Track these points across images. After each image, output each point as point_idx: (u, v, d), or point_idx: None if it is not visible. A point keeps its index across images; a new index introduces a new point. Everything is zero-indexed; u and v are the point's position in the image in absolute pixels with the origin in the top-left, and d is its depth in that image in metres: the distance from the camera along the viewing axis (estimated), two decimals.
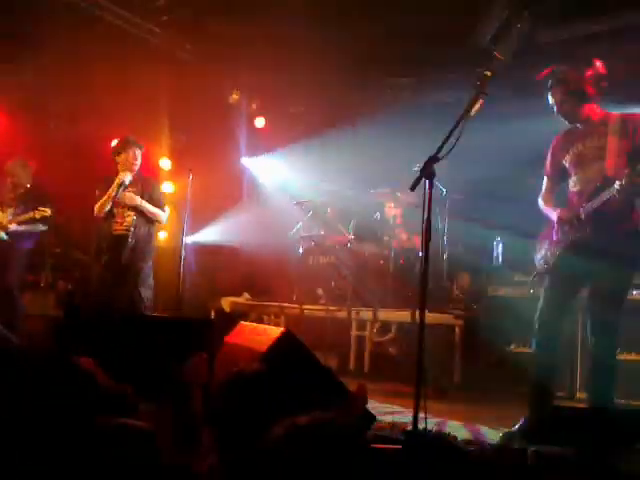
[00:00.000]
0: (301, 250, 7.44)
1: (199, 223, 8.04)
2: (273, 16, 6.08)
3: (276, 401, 2.24)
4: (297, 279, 7.27)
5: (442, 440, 2.76)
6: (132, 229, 5.30)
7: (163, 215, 5.53)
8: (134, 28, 6.89)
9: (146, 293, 5.30)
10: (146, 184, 5.53)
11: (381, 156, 7.05)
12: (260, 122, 8.86)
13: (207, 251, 8.14)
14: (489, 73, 3.41)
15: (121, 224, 5.33)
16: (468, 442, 3.10)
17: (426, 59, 6.86)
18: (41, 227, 6.18)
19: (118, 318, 4.19)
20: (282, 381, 2.33)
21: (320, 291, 6.97)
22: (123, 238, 5.30)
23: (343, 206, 7.75)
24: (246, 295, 7.82)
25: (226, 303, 7.50)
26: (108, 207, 5.32)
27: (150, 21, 6.90)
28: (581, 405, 4.49)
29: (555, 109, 3.74)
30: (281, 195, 8.83)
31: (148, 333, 3.61)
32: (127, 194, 5.33)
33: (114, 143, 5.67)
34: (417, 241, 6.82)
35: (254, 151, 9.28)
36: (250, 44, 6.65)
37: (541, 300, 3.85)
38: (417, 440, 2.70)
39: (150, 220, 5.46)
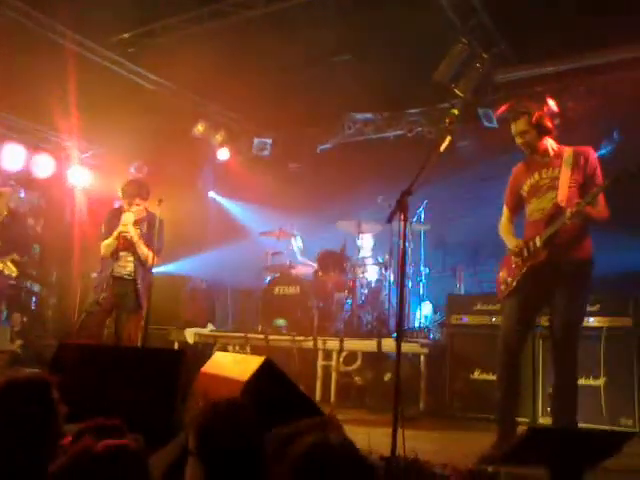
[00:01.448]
0: (267, 280, 7.49)
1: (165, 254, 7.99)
2: (240, 49, 6.21)
3: (259, 428, 2.28)
4: (263, 309, 7.26)
5: (421, 466, 2.84)
6: (133, 274, 5.32)
7: (150, 258, 5.35)
8: (100, 58, 6.94)
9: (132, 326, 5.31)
10: (152, 221, 5.40)
11: (346, 188, 7.21)
12: (224, 154, 8.84)
13: (172, 282, 8.07)
14: (456, 112, 3.61)
15: (124, 268, 5.34)
16: (443, 466, 3.18)
17: (389, 96, 7.11)
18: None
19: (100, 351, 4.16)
20: (265, 408, 2.37)
21: (280, 322, 6.97)
22: (123, 281, 5.32)
23: (309, 237, 7.87)
24: (210, 326, 7.78)
25: (190, 334, 7.44)
26: (113, 248, 5.31)
27: (116, 52, 6.96)
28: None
29: (516, 140, 3.94)
30: (247, 226, 8.91)
31: (122, 364, 3.60)
32: (131, 229, 5.27)
33: (124, 184, 5.54)
34: (384, 271, 6.97)
35: (220, 183, 9.36)
36: (216, 76, 6.75)
37: (503, 324, 4.01)
38: (397, 466, 2.78)
39: (143, 262, 5.37)
